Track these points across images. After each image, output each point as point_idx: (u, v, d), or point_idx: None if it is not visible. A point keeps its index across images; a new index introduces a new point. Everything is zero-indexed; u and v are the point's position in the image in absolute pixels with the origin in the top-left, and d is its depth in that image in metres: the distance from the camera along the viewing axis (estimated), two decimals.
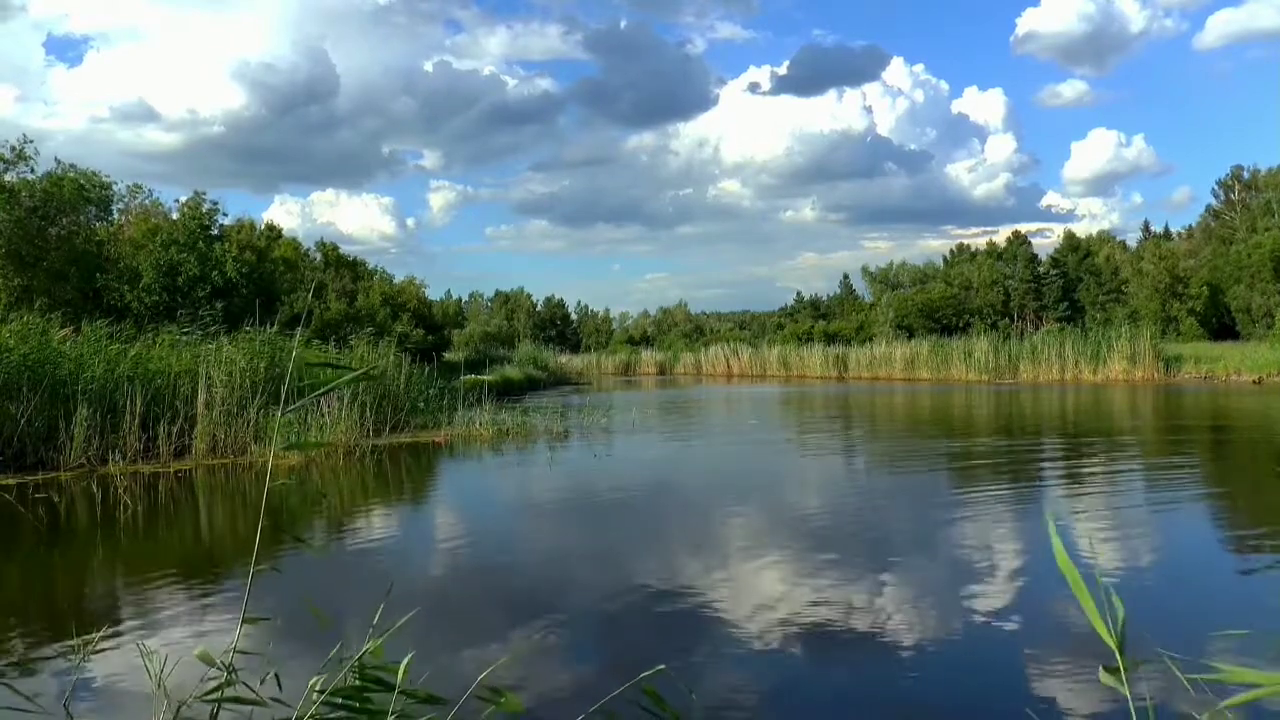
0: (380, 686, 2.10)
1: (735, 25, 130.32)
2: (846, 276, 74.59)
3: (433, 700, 2.14)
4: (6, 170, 22.08)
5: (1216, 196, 57.00)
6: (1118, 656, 1.39)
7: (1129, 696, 1.40)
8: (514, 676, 4.90)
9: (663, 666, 2.25)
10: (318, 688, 2.12)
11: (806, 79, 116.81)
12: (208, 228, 25.71)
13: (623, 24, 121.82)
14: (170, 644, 5.34)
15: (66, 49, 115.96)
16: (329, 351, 19.68)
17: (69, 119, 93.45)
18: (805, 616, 6.11)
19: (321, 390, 2.71)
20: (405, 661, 2.10)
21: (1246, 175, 55.28)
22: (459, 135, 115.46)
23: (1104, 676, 1.42)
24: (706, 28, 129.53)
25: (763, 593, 6.76)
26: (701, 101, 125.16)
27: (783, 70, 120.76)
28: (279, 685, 2.24)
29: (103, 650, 5.51)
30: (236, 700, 2.15)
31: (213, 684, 2.16)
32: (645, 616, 6.31)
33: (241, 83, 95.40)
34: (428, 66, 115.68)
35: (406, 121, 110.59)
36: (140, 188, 27.06)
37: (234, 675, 2.15)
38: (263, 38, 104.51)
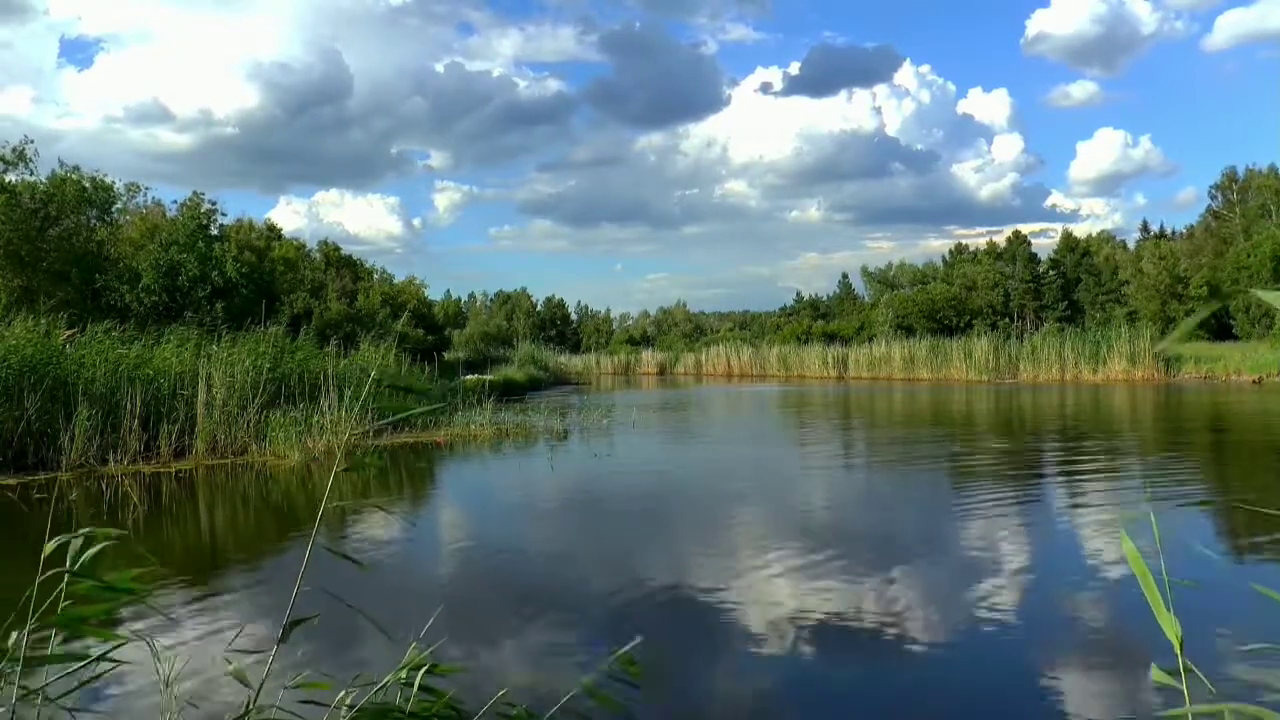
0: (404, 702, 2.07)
1: (747, 26, 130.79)
2: (846, 276, 74.59)
3: (455, 710, 2.11)
4: (7, 171, 22.07)
5: (1214, 199, 57.04)
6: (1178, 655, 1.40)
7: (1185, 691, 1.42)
8: (521, 679, 4.91)
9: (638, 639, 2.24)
10: (346, 701, 2.11)
11: (818, 79, 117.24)
12: (207, 228, 25.69)
13: (637, 25, 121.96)
14: (174, 645, 5.35)
15: (77, 51, 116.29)
16: (329, 353, 19.68)
17: (82, 119, 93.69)
18: (809, 615, 6.11)
19: (399, 416, 2.73)
20: (401, 669, 2.07)
21: (1242, 176, 55.22)
22: (469, 135, 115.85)
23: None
24: (718, 29, 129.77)
25: (767, 592, 6.76)
26: (713, 102, 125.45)
27: (794, 70, 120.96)
28: (301, 698, 2.22)
29: (105, 651, 5.50)
30: None
31: (227, 692, 2.16)
32: (648, 618, 6.31)
33: (256, 83, 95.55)
34: (439, 67, 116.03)
35: (416, 122, 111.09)
36: (138, 187, 26.81)
37: (277, 707, 2.14)
38: (275, 39, 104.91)
